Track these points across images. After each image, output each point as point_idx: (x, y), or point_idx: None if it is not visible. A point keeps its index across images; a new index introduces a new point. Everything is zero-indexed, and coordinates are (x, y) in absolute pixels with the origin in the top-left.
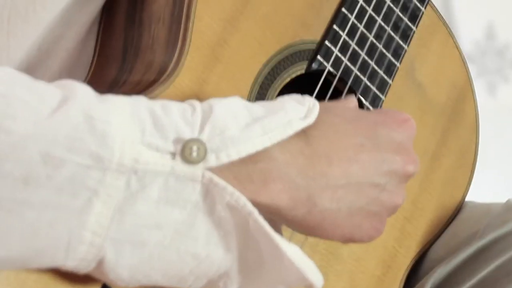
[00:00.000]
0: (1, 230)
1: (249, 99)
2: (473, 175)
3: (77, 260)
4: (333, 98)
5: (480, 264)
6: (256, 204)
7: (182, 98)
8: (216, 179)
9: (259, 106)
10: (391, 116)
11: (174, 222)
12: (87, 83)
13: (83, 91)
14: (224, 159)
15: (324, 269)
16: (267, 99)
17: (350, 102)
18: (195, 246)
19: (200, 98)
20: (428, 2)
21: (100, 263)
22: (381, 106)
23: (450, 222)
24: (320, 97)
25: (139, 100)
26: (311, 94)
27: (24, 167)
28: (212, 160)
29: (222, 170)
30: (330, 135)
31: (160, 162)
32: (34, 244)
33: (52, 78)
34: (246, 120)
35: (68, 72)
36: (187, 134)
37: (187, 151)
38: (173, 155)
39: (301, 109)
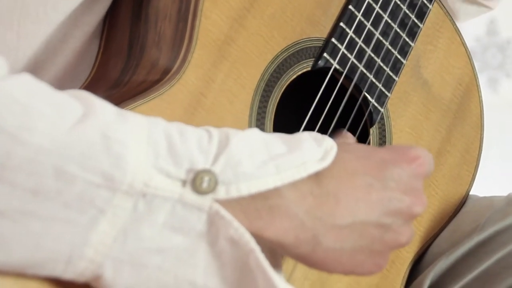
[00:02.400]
0: (4, 237)
1: (255, 96)
2: (477, 171)
3: (75, 274)
4: (339, 95)
5: (480, 257)
6: (260, 238)
7: (188, 95)
8: (223, 212)
9: (277, 141)
10: (401, 153)
11: (176, 248)
12: (90, 80)
13: (102, 108)
14: (234, 193)
15: None
16: (273, 96)
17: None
18: (194, 274)
19: (206, 96)
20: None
21: (98, 278)
22: (386, 103)
23: (454, 217)
24: (326, 94)
25: (157, 122)
26: (317, 91)
27: (36, 179)
28: (221, 193)
29: (230, 203)
30: (340, 174)
31: (170, 188)
32: (35, 254)
33: (57, 75)
34: (262, 157)
35: (73, 70)
36: (201, 163)
37: (198, 180)
38: (184, 182)
39: (317, 151)
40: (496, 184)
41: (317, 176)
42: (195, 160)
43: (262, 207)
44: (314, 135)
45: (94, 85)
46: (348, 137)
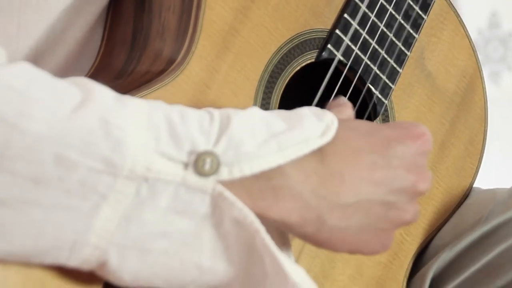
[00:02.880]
0: (5, 226)
1: (259, 87)
2: (480, 163)
3: (80, 261)
4: (343, 87)
5: (484, 249)
6: (265, 218)
7: (192, 86)
8: (226, 193)
9: (278, 119)
10: (406, 130)
11: (181, 232)
12: (94, 70)
13: (101, 94)
14: (237, 173)
15: (332, 257)
16: (277, 88)
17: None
18: (200, 257)
19: (210, 87)
20: None
21: (103, 265)
22: (390, 95)
23: (457, 209)
24: (330, 86)
25: (157, 106)
26: (320, 83)
27: (36, 167)
28: (224, 174)
29: (234, 184)
30: (344, 152)
31: (172, 171)
32: (38, 242)
33: (59, 65)
34: (263, 136)
35: (75, 60)
36: (202, 145)
37: (200, 162)
38: (186, 165)
39: (319, 126)
40: (497, 177)
41: (321, 155)
42: (197, 142)
43: (265, 187)
44: (314, 110)
45: (97, 75)
46: (346, 105)
